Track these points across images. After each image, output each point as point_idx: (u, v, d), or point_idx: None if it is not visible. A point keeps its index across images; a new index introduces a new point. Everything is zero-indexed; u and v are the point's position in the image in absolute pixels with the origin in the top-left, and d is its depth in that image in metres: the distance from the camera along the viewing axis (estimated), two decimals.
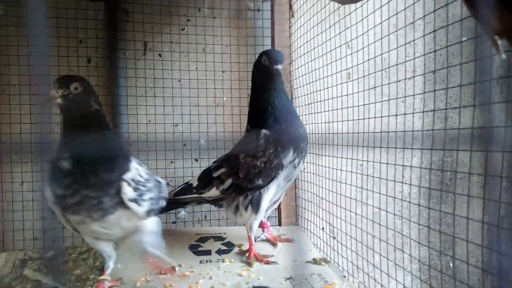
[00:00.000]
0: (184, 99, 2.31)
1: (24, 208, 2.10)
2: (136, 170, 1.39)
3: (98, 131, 1.32)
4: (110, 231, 1.40)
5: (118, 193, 1.31)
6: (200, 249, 1.90)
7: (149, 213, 1.42)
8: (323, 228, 1.95)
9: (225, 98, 2.34)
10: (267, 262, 1.72)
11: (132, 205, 1.33)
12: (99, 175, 1.28)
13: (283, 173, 1.65)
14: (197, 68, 2.32)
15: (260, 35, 2.35)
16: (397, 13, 1.46)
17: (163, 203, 1.58)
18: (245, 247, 1.85)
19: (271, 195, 1.72)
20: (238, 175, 1.67)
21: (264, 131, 1.64)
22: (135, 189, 1.34)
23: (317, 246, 1.99)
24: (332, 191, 1.89)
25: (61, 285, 1.62)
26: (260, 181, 1.65)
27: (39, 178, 2.08)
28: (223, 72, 2.34)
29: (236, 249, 1.88)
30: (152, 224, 1.49)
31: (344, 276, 1.61)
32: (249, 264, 1.70)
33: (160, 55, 2.29)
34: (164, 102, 2.29)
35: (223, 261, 1.75)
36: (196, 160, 2.33)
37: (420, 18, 1.38)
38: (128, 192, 1.32)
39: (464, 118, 1.36)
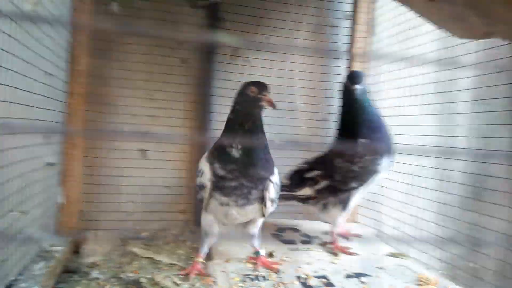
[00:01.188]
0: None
1: (120, 191, 2.30)
2: (277, 174, 1.62)
3: (261, 131, 1.54)
4: (240, 218, 1.63)
5: (263, 190, 1.54)
6: (282, 238, 2.12)
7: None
8: (395, 228, 2.18)
9: (302, 104, 2.56)
10: (350, 253, 1.94)
11: (269, 204, 1.58)
12: (258, 171, 1.49)
13: (375, 177, 1.88)
14: (276, 75, 2.54)
15: (339, 50, 2.57)
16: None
17: None
18: (321, 239, 2.09)
19: (359, 196, 1.95)
20: (334, 177, 1.90)
21: (361, 139, 1.86)
22: (276, 191, 1.59)
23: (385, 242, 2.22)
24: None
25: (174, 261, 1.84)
26: (354, 184, 1.88)
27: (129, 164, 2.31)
28: (304, 80, 2.56)
29: (316, 241, 2.11)
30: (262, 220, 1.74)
31: (428, 268, 1.84)
32: (335, 254, 1.93)
33: (248, 60, 2.50)
34: None
35: (309, 249, 1.98)
36: None
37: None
38: (271, 192, 1.56)
39: None
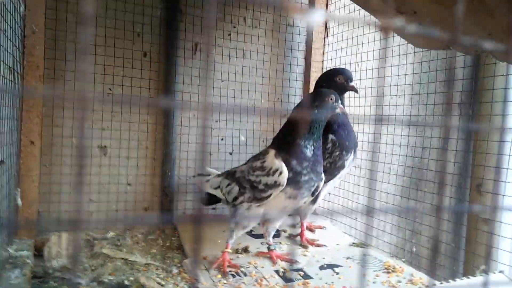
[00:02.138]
0: (223, 98, 2.55)
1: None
2: None
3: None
4: (293, 207, 1.74)
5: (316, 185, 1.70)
6: (253, 232, 2.18)
7: None
8: (356, 218, 2.34)
9: (262, 100, 2.62)
10: (318, 245, 2.06)
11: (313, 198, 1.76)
12: (319, 168, 1.69)
13: (342, 172, 2.00)
14: (237, 71, 2.57)
15: (295, 48, 2.67)
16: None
17: None
18: (288, 232, 2.19)
19: (327, 190, 2.07)
20: None
21: (331, 135, 1.97)
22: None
23: (346, 233, 2.37)
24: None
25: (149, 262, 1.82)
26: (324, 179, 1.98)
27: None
28: (263, 77, 2.62)
29: (283, 234, 2.19)
30: None
31: (392, 256, 2.01)
32: (304, 246, 2.04)
33: (208, 56, 2.49)
34: (206, 100, 2.50)
35: (280, 243, 2.07)
36: (231, 154, 2.58)
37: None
38: (320, 187, 1.74)
39: None
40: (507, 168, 1.93)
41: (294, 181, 1.62)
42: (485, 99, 2.25)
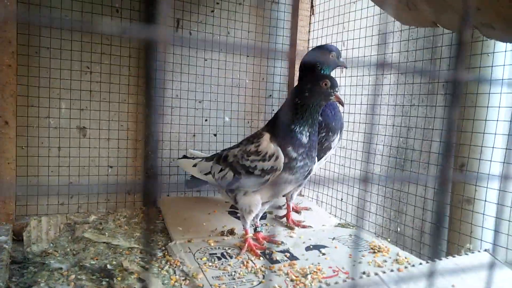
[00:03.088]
0: (206, 78, 2.48)
1: (60, 172, 2.12)
2: None
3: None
4: (287, 191, 1.76)
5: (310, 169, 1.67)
6: (239, 214, 2.15)
7: None
8: (341, 199, 2.33)
9: (247, 81, 2.56)
10: (304, 226, 2.05)
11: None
12: (314, 153, 1.65)
13: (328, 153, 1.98)
14: (221, 49, 2.50)
15: (280, 26, 2.60)
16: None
17: None
18: (274, 214, 2.17)
19: (313, 171, 2.04)
20: None
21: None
22: None
23: (331, 214, 2.37)
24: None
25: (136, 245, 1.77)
26: None
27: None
28: (247, 56, 2.55)
29: (269, 215, 2.17)
30: None
31: (377, 236, 2.01)
32: (290, 228, 2.02)
33: (190, 33, 2.42)
34: (189, 79, 2.44)
35: (266, 225, 2.05)
36: (215, 135, 2.53)
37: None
38: (313, 170, 1.72)
39: None
40: (493, 147, 1.94)
41: (289, 166, 1.58)
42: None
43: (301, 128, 1.59)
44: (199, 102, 2.47)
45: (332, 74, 1.95)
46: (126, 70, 2.25)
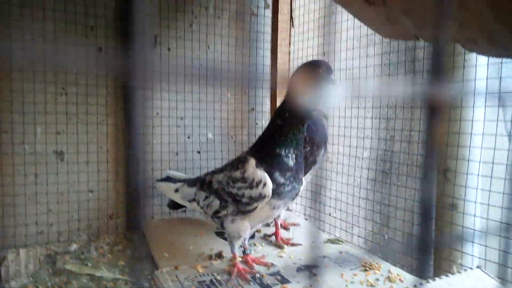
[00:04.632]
0: (188, 94, 2.42)
1: (37, 200, 2.03)
2: None
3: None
4: (276, 215, 1.73)
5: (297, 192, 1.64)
6: (226, 235, 2.10)
7: None
8: (329, 214, 2.31)
9: (229, 95, 2.51)
10: (293, 244, 2.01)
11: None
12: (301, 175, 1.61)
13: (314, 168, 1.95)
14: (201, 64, 2.45)
15: (260, 39, 2.56)
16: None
17: None
18: (262, 232, 2.13)
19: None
20: None
21: None
22: None
23: (320, 229, 2.34)
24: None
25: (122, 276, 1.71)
26: None
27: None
28: (228, 71, 2.50)
29: (257, 234, 2.13)
30: None
31: (368, 251, 1.98)
32: (280, 247, 1.98)
33: (169, 49, 2.36)
34: (169, 96, 2.38)
35: (255, 245, 2.00)
36: (198, 152, 2.47)
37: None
38: (300, 191, 1.68)
39: None
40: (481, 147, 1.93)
41: (277, 192, 1.54)
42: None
43: (286, 151, 1.54)
44: (181, 119, 2.41)
45: None
46: (103, 89, 2.18)
